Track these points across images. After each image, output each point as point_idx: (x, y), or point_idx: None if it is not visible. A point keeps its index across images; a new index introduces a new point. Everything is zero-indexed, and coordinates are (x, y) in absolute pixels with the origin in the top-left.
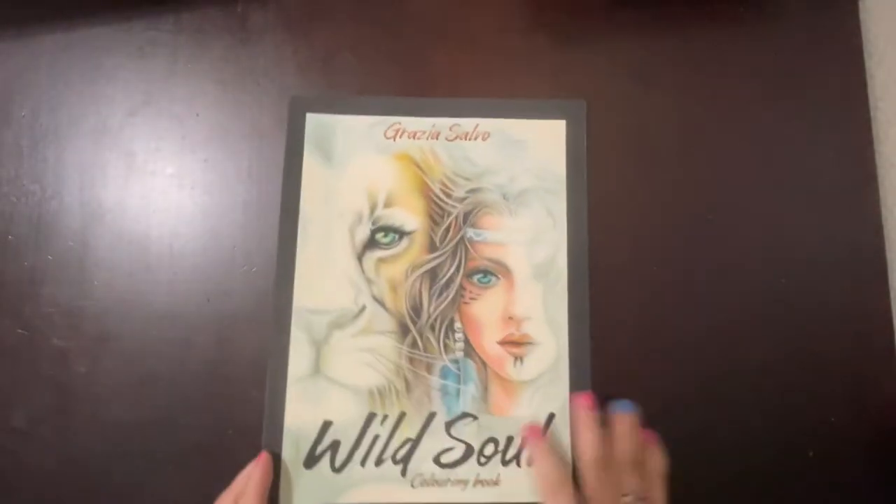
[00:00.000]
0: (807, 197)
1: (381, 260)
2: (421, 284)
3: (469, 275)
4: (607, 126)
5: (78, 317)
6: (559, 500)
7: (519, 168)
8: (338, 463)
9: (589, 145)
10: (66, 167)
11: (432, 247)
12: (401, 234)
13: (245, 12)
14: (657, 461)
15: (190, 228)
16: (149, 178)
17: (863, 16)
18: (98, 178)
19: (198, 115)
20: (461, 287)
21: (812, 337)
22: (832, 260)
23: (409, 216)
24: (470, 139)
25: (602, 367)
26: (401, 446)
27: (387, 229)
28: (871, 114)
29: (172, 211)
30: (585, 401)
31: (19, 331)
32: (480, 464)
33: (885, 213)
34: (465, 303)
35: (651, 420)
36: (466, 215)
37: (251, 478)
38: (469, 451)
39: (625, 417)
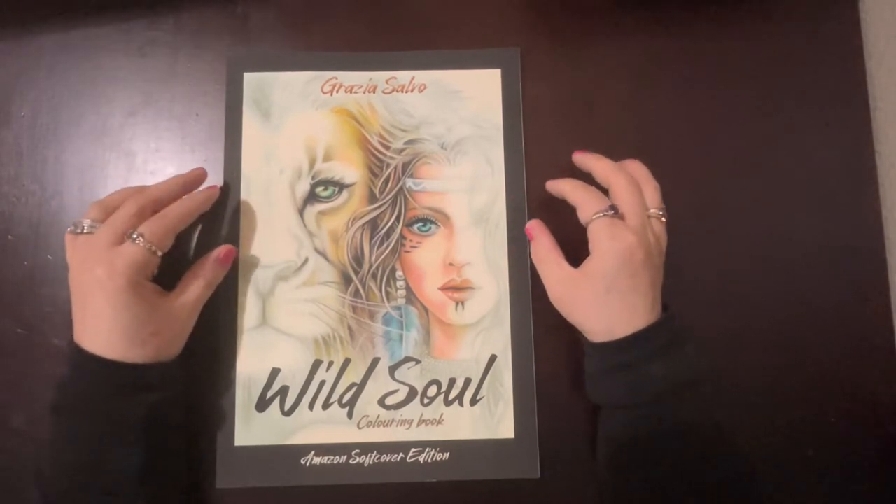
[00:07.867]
0: (806, 197)
1: (321, 213)
2: (362, 235)
3: (409, 224)
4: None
5: None
6: (550, 261)
7: (456, 118)
8: (287, 406)
9: (525, 93)
10: (66, 167)
11: (372, 198)
12: (340, 186)
13: (245, 12)
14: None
15: (190, 228)
16: (149, 178)
17: (863, 16)
18: (98, 178)
19: (198, 115)
20: (402, 236)
21: (811, 337)
22: (832, 260)
23: (349, 169)
24: (407, 91)
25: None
26: (346, 390)
27: (326, 182)
28: (871, 114)
29: None
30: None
31: (19, 331)
32: (424, 405)
33: (885, 213)
34: (406, 251)
35: None
36: (405, 166)
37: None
38: (412, 393)
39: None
